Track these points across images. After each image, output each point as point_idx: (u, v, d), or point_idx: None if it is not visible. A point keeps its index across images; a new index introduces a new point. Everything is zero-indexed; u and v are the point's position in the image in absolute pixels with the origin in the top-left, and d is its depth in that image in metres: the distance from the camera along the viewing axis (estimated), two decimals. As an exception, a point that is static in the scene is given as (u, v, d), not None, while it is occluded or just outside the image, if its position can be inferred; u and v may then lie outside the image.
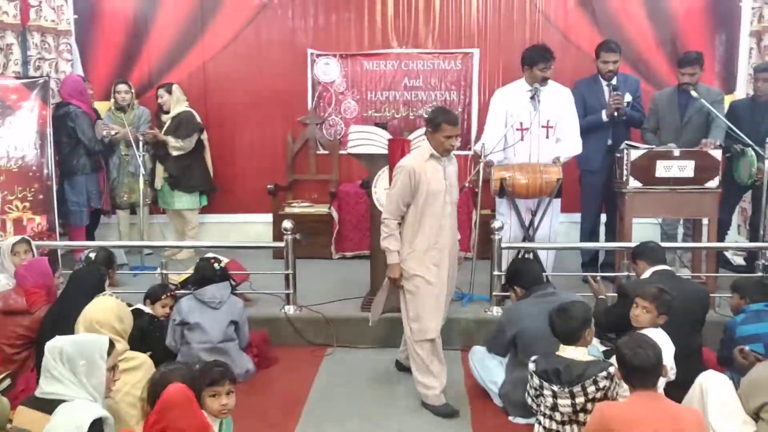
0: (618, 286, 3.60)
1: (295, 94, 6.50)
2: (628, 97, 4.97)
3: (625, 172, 4.45)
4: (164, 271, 4.46)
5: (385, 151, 4.24)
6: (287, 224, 4.41)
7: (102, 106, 6.15)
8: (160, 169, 6.03)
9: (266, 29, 6.46)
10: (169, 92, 6.02)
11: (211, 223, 6.62)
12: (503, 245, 4.40)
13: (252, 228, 6.48)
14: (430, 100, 6.47)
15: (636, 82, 5.13)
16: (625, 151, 4.44)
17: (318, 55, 6.45)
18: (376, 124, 4.69)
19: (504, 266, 4.43)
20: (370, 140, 4.28)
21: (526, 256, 4.60)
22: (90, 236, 5.99)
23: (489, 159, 4.61)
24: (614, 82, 5.03)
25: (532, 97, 4.62)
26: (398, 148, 4.20)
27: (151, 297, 3.93)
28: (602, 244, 5.11)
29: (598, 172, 5.07)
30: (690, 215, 4.54)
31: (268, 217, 6.16)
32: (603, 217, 5.34)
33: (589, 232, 5.22)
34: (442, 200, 3.49)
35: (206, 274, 3.98)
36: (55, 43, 5.98)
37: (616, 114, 4.89)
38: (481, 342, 3.89)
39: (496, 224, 4.38)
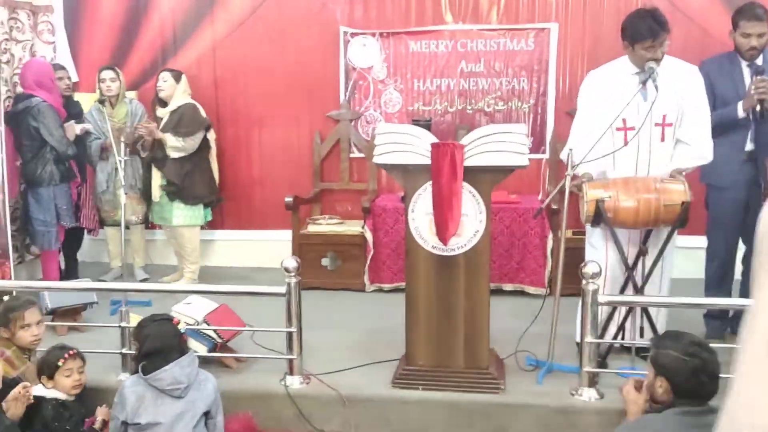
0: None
1: (325, 84, 5.22)
2: (776, 81, 3.46)
3: (787, 193, 2.98)
4: (123, 323, 3.24)
5: (427, 161, 2.91)
6: (290, 263, 3.12)
7: (89, 99, 5.03)
8: (157, 176, 4.86)
9: (289, 4, 5.20)
10: (177, 79, 4.83)
11: (218, 241, 5.43)
12: (602, 299, 3.00)
13: (269, 248, 5.23)
14: (494, 90, 5.08)
15: (786, 62, 3.62)
16: (789, 162, 2.97)
17: (353, 35, 5.15)
18: (415, 122, 3.37)
19: (599, 325, 3.05)
20: (404, 145, 2.95)
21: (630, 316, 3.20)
22: (72, 259, 4.91)
23: (585, 172, 3.22)
24: (759, 62, 3.54)
25: (643, 83, 3.18)
26: (445, 156, 2.87)
27: (45, 371, 2.73)
28: (740, 300, 3.52)
29: (729, 189, 3.59)
30: None
31: (289, 235, 4.91)
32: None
33: (719, 274, 3.73)
34: None
35: (166, 344, 2.71)
36: (31, 21, 4.88)
37: (759, 108, 3.39)
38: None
39: (589, 268, 2.97)
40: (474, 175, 2.94)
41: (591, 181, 3.23)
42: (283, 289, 3.14)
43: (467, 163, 2.89)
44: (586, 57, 4.93)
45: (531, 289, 4.61)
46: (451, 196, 2.89)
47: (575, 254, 3.66)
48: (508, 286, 4.63)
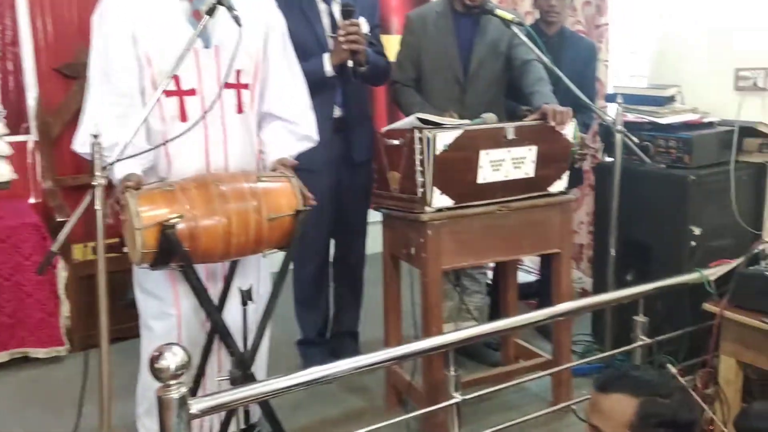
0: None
1: None
2: (363, 26, 2.57)
3: (420, 179, 2.11)
4: None
5: None
6: None
7: None
8: None
9: None
10: None
11: None
12: (198, 406, 1.63)
13: None
14: None
15: (370, -4, 2.77)
16: (418, 135, 2.09)
17: None
18: None
19: None
20: None
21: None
22: None
23: (130, 173, 1.78)
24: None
25: (208, 13, 1.85)
26: None
27: None
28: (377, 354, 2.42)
29: (318, 171, 2.57)
30: (533, 251, 2.47)
31: None
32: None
33: (315, 283, 2.79)
34: None
35: None
36: None
37: (352, 63, 2.48)
38: None
39: (167, 360, 1.55)
40: None
41: (140, 190, 1.80)
42: None
43: None
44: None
45: (41, 352, 2.92)
46: None
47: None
48: (2, 356, 2.84)
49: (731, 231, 2.68)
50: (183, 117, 1.96)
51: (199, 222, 1.78)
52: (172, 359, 1.57)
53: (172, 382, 1.57)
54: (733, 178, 2.64)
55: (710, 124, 2.81)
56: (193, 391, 2.04)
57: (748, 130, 2.72)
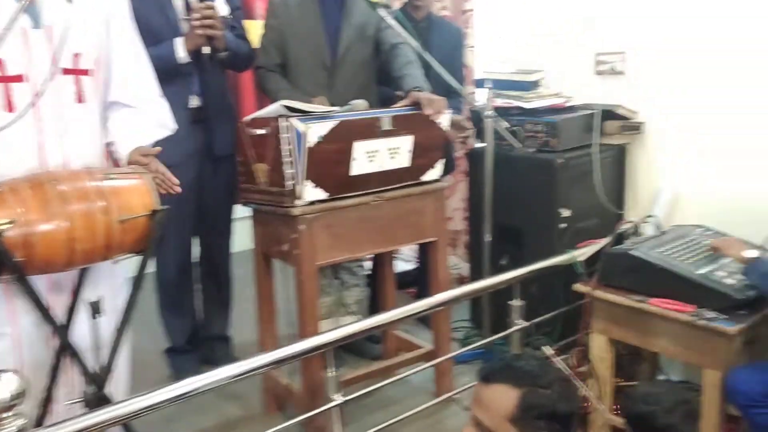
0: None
1: None
2: (222, 8, 2.39)
3: (290, 171, 1.98)
4: None
5: None
6: None
7: None
8: None
9: None
10: None
11: None
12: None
13: None
14: None
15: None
16: (285, 124, 1.95)
17: None
18: None
19: None
20: None
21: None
22: None
23: None
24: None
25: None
26: None
27: None
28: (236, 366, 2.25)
29: (176, 168, 2.36)
30: (409, 241, 2.40)
31: None
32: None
33: (179, 286, 2.58)
34: None
35: None
36: None
37: (208, 49, 2.30)
38: None
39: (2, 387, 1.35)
40: None
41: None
42: None
43: None
44: None
45: None
46: None
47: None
48: None
49: (596, 212, 2.77)
50: (9, 107, 1.70)
51: (34, 227, 1.55)
52: (4, 388, 1.36)
53: (5, 414, 1.37)
54: (598, 160, 2.72)
55: (573, 108, 2.88)
56: (40, 420, 1.80)
57: (609, 113, 2.82)
